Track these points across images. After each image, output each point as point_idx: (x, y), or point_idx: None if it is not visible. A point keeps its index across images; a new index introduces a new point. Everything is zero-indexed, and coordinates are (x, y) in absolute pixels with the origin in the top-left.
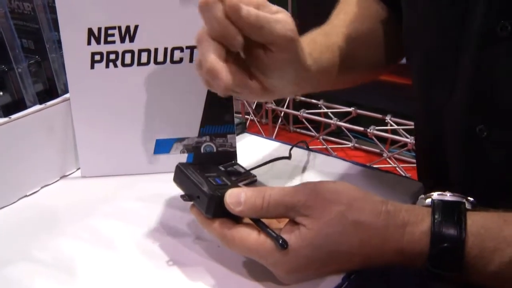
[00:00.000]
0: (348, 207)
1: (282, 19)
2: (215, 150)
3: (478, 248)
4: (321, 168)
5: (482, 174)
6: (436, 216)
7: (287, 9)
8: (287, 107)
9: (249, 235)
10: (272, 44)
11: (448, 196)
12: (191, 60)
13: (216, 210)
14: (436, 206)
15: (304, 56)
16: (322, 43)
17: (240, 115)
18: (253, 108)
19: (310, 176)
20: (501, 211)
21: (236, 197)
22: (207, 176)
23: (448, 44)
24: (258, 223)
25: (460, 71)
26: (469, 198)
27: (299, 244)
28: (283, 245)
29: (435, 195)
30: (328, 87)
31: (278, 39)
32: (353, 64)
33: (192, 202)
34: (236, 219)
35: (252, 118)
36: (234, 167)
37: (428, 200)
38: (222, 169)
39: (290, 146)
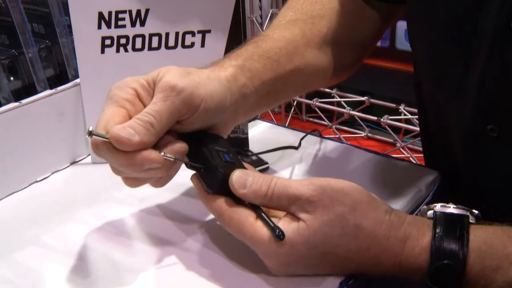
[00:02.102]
0: (351, 209)
1: (161, 87)
2: (226, 136)
3: (479, 266)
4: (334, 157)
5: (491, 173)
6: (437, 230)
7: None
8: (300, 96)
9: (246, 218)
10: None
11: (451, 208)
12: (202, 45)
13: (220, 186)
14: (438, 219)
15: (219, 95)
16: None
17: None
18: None
19: (323, 165)
20: (505, 226)
21: (242, 179)
22: (217, 150)
23: (458, 39)
24: (257, 210)
25: (471, 68)
26: (473, 210)
27: (295, 239)
28: (280, 236)
29: (438, 206)
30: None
31: (179, 110)
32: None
33: (194, 171)
34: (236, 199)
35: None
36: (247, 153)
37: (430, 212)
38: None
39: (302, 134)
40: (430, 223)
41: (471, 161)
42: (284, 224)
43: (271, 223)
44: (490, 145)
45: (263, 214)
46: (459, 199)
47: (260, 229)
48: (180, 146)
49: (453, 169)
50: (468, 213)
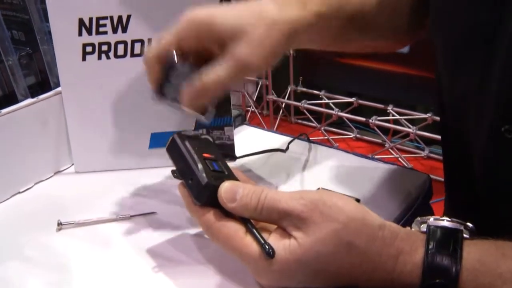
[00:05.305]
0: (344, 226)
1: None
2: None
3: (472, 284)
4: (323, 161)
5: (505, 176)
6: (430, 247)
7: None
8: (288, 98)
9: (235, 233)
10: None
11: (445, 221)
12: None
13: (208, 199)
14: (432, 234)
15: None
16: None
17: (240, 107)
18: (254, 99)
19: (312, 170)
20: (500, 242)
21: (232, 192)
22: (204, 158)
23: (480, 32)
24: (247, 223)
25: (490, 66)
26: (468, 224)
27: (286, 257)
28: (270, 253)
29: (432, 219)
30: (334, 46)
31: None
32: (365, 26)
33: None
34: (224, 210)
35: (253, 109)
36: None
37: (424, 226)
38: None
39: (290, 139)
40: (423, 238)
41: (489, 164)
42: (275, 240)
43: (261, 239)
44: (506, 149)
45: (253, 230)
46: (472, 210)
47: (250, 244)
48: None
49: (473, 172)
50: (462, 227)
